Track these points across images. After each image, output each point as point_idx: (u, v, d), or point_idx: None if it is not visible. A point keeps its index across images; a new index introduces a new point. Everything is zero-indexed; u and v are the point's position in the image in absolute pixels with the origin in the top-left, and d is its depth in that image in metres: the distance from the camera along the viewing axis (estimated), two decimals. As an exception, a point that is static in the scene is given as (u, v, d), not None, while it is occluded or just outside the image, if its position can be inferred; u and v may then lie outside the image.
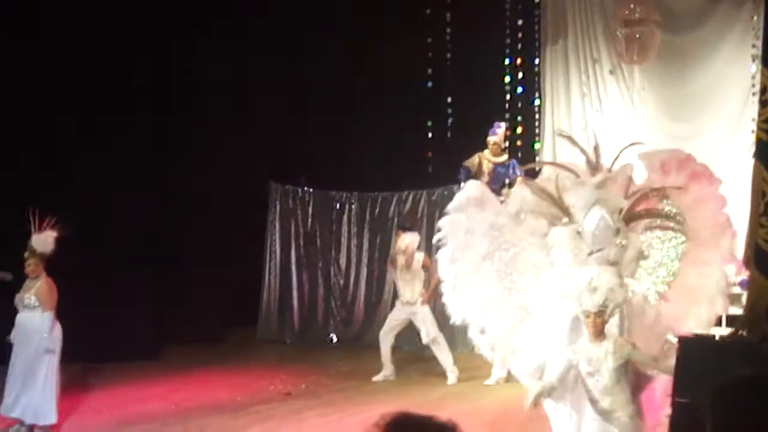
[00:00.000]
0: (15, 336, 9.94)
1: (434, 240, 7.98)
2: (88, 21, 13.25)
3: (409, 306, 12.57)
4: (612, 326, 6.95)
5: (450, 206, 7.81)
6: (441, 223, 7.75)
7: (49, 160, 12.89)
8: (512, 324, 7.38)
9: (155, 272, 13.36)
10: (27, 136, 12.77)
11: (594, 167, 7.32)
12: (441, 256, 7.60)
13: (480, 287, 7.47)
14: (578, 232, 7.03)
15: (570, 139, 7.89)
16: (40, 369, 9.92)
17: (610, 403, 6.85)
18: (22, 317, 9.99)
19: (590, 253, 6.93)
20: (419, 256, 12.79)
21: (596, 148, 7.32)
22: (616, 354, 6.80)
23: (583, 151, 7.22)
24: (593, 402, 6.87)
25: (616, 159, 7.32)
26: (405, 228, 13.10)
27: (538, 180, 7.90)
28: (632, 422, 6.80)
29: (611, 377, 6.82)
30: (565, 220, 7.20)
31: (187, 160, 13.97)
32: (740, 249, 7.11)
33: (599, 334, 6.81)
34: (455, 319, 7.60)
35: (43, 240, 10.09)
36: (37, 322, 9.90)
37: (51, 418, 9.95)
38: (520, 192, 7.55)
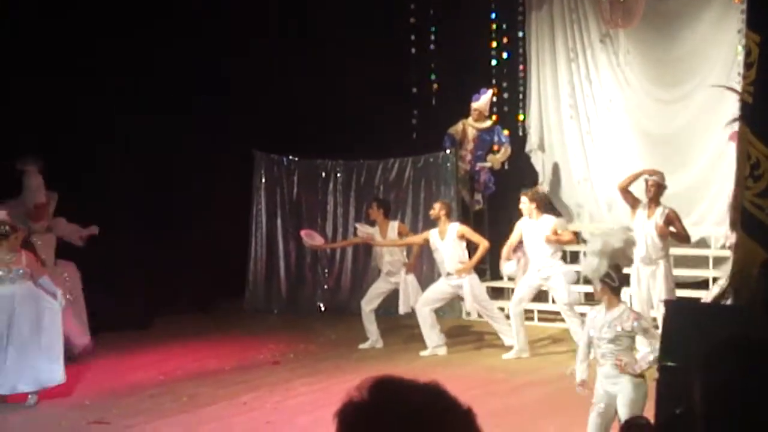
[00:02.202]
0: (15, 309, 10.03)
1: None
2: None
3: (392, 276, 12.56)
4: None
5: None
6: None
7: (32, 128, 12.80)
8: None
9: (143, 244, 13.32)
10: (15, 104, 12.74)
11: None
12: None
13: None
14: None
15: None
16: (51, 330, 10.11)
17: (611, 367, 6.97)
18: (10, 289, 10.05)
19: None
20: (394, 225, 12.75)
21: None
22: (616, 325, 6.94)
23: None
24: (599, 364, 7.06)
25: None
26: (379, 201, 13.04)
27: None
28: (633, 386, 6.89)
29: (607, 347, 6.96)
30: None
31: (171, 132, 13.88)
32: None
33: (608, 303, 7.04)
34: None
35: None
36: (34, 290, 10.05)
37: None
38: None
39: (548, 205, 14.57)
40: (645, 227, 11.03)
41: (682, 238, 11.37)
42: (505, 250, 11.98)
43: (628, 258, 7.64)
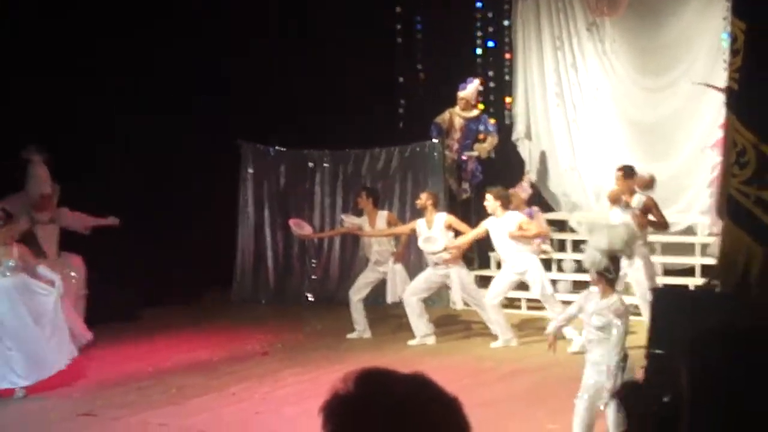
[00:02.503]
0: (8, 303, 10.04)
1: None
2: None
3: (380, 265, 12.56)
4: None
5: None
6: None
7: (32, 127, 12.79)
8: None
9: (130, 235, 13.27)
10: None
11: None
12: None
13: None
14: None
15: None
16: (52, 317, 10.14)
17: (599, 355, 7.02)
18: (7, 282, 10.08)
19: None
20: (383, 214, 12.76)
21: None
22: (603, 312, 7.00)
23: None
24: (587, 350, 7.13)
25: None
26: (368, 190, 13.03)
27: None
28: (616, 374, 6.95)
29: (594, 333, 7.01)
30: None
31: (158, 123, 13.84)
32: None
33: (603, 291, 7.14)
34: None
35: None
36: (29, 280, 10.09)
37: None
38: None
39: (535, 194, 14.66)
40: (622, 217, 11.04)
41: (661, 225, 11.41)
42: (463, 241, 12.04)
43: (631, 251, 7.68)
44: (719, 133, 9.85)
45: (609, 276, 7.13)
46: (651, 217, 11.19)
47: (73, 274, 11.88)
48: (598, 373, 7.05)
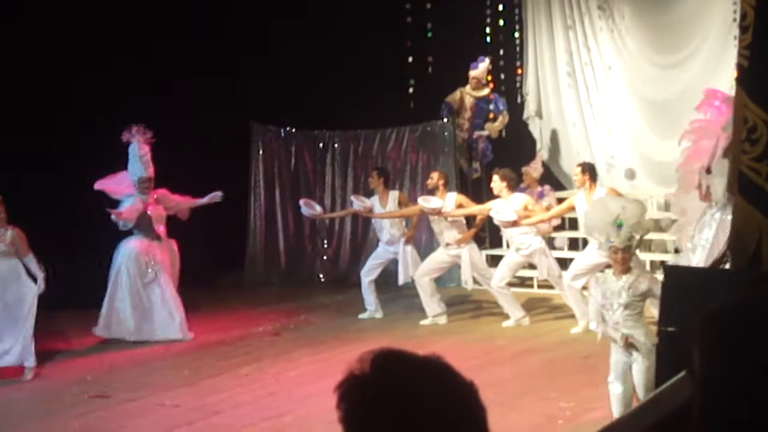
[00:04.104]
0: None
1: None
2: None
3: (391, 245, 12.57)
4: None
5: None
6: None
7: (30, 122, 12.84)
8: None
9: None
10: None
11: None
12: None
13: None
14: None
15: None
16: (26, 311, 10.07)
17: (628, 331, 6.94)
18: None
19: None
20: (395, 194, 12.75)
21: None
22: (630, 290, 6.90)
23: None
24: (613, 330, 6.99)
25: None
26: (380, 170, 12.99)
27: None
28: (647, 352, 6.86)
29: (622, 313, 6.91)
30: None
31: (168, 105, 13.83)
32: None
33: (624, 269, 6.95)
34: None
35: None
36: (17, 268, 10.06)
37: (32, 359, 10.13)
38: None
39: (546, 172, 14.64)
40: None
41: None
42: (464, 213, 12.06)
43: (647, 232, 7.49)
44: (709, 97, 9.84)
45: (633, 252, 7.07)
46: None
47: (175, 258, 11.98)
48: (626, 354, 6.97)
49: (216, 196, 12.24)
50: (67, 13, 13.17)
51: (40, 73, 12.93)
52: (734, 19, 12.34)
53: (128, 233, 11.73)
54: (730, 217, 8.60)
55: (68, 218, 12.61)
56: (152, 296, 11.53)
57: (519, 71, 15.72)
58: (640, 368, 6.89)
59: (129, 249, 11.58)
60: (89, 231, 12.42)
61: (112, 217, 11.36)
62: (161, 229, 11.83)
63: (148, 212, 11.62)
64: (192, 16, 14.26)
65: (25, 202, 10.84)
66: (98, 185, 11.61)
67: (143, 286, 11.49)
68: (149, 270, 11.51)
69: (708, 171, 9.08)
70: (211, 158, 14.30)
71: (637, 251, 7.80)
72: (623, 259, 6.97)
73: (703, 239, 8.85)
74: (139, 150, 11.56)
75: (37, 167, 12.64)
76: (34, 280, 10.27)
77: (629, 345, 6.94)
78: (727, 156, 8.71)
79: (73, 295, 11.69)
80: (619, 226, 6.94)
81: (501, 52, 15.63)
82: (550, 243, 13.51)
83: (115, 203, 11.61)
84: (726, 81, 12.49)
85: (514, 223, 11.36)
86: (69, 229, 12.66)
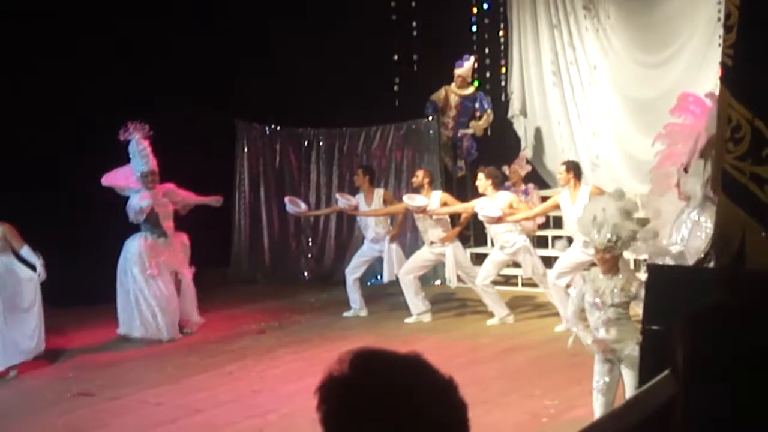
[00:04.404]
0: None
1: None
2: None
3: (376, 243, 12.57)
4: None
5: None
6: None
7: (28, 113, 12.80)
8: None
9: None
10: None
11: None
12: None
13: None
14: None
15: None
16: (28, 304, 10.10)
17: (616, 333, 6.93)
18: None
19: None
20: (380, 192, 12.76)
21: None
22: (623, 291, 6.89)
23: None
24: (597, 331, 6.97)
25: None
26: (365, 168, 13.02)
27: None
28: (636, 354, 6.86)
29: (614, 312, 6.91)
30: None
31: (155, 102, 13.79)
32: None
33: (610, 269, 6.93)
34: None
35: None
36: (12, 263, 10.07)
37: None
38: None
39: (532, 171, 14.66)
40: (573, 212, 10.74)
41: None
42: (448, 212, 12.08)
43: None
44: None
45: (616, 252, 7.03)
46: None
47: (186, 251, 11.99)
48: (618, 351, 6.97)
49: (218, 200, 12.35)
50: (67, 13, 13.10)
51: (40, 73, 12.87)
52: (719, 19, 12.38)
53: (134, 230, 11.70)
54: (703, 219, 8.70)
55: (68, 217, 12.58)
56: (156, 294, 11.49)
57: (503, 69, 15.75)
58: (631, 363, 6.85)
59: (133, 248, 11.57)
60: (90, 230, 12.45)
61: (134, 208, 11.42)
62: (169, 224, 11.80)
63: (156, 209, 11.60)
64: (192, 16, 14.21)
65: (25, 203, 10.84)
66: (105, 181, 11.61)
67: (146, 284, 11.48)
68: (152, 268, 11.49)
69: (686, 170, 9.11)
70: (195, 156, 14.25)
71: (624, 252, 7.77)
72: (604, 259, 6.97)
73: (678, 238, 8.90)
74: (138, 145, 11.56)
75: (37, 167, 12.59)
76: (33, 269, 10.30)
77: (607, 351, 6.96)
78: (703, 156, 8.79)
79: (62, 293, 11.67)
80: (600, 226, 6.94)
81: (486, 50, 15.64)
82: (545, 244, 13.59)
83: (123, 200, 11.62)
84: (710, 80, 12.54)
85: (499, 219, 11.36)
86: (68, 229, 12.60)
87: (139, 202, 11.47)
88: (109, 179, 11.61)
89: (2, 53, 12.65)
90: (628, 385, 6.87)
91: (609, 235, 6.90)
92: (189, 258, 12.07)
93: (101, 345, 11.40)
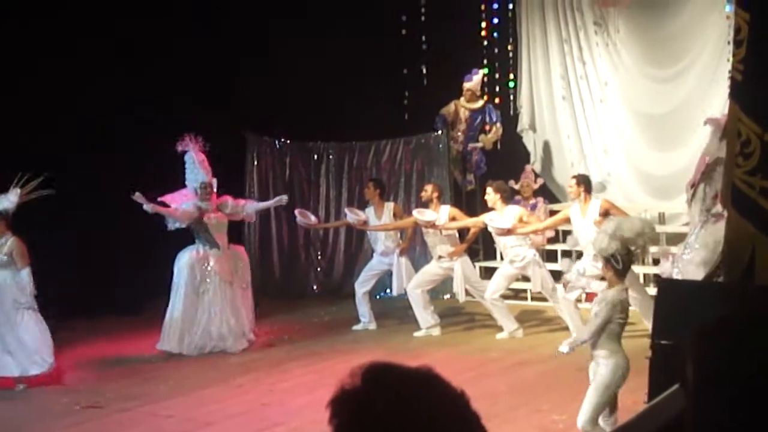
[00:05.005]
0: None
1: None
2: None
3: (386, 256, 12.57)
4: None
5: None
6: None
7: (32, 122, 12.81)
8: None
9: (134, 226, 13.27)
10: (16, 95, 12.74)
11: None
12: None
13: None
14: None
15: None
16: (24, 321, 10.04)
17: (599, 344, 7.03)
18: None
19: None
20: (390, 206, 12.77)
21: None
22: (602, 302, 6.98)
23: None
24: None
25: None
26: (375, 181, 13.05)
27: None
28: (609, 370, 6.98)
29: (596, 321, 7.00)
30: None
31: (163, 114, 13.81)
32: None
33: (608, 279, 7.12)
34: None
35: (5, 197, 10.17)
36: (13, 279, 10.01)
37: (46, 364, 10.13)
38: None
39: (541, 186, 14.66)
40: (583, 226, 10.88)
41: None
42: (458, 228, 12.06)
43: (644, 245, 7.47)
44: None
45: (616, 266, 7.06)
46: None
47: (241, 265, 11.92)
48: (605, 366, 7.04)
49: (282, 199, 12.42)
50: (67, 13, 13.12)
51: (40, 73, 12.87)
52: (729, 34, 12.40)
53: (190, 241, 11.71)
54: (692, 239, 8.80)
55: (67, 218, 12.57)
56: (208, 308, 11.48)
57: (513, 84, 15.75)
58: (596, 382, 6.99)
59: (184, 260, 11.59)
60: (90, 230, 12.47)
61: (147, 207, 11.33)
62: (222, 237, 11.77)
63: (205, 220, 11.59)
64: (192, 16, 14.22)
65: (25, 203, 10.84)
66: (165, 199, 11.62)
67: (199, 298, 11.48)
68: (206, 280, 11.49)
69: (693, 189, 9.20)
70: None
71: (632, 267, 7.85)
72: (602, 267, 7.17)
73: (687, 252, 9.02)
74: (196, 156, 11.59)
75: (36, 167, 12.56)
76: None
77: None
78: (703, 181, 8.85)
79: (71, 305, 11.69)
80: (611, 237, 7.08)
81: (496, 64, 15.66)
82: (554, 258, 13.54)
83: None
84: (721, 95, 12.56)
85: (509, 231, 11.36)
86: (68, 229, 12.59)
87: (184, 204, 11.45)
88: (168, 197, 11.58)
89: (2, 53, 12.65)
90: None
91: (609, 246, 7.07)
92: (244, 273, 11.97)
93: (110, 356, 11.39)
